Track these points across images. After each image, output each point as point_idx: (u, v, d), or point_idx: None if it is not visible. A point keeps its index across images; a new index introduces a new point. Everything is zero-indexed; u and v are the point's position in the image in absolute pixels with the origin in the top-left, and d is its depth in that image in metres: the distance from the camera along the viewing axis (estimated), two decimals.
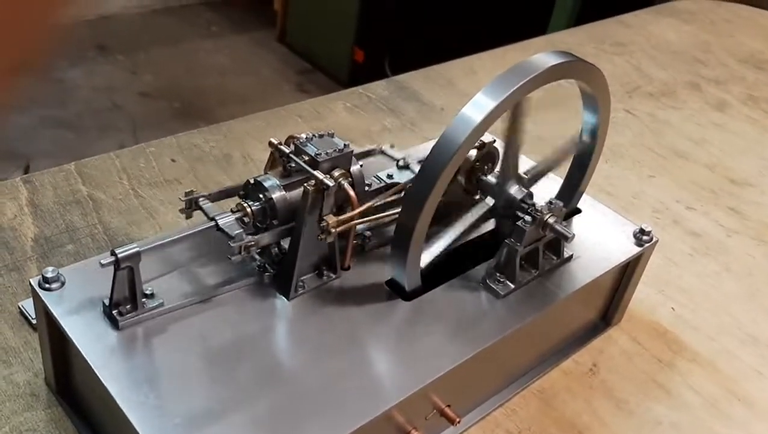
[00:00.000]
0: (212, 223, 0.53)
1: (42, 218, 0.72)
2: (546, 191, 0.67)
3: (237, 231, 0.51)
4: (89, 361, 0.47)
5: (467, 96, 0.52)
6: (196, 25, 3.12)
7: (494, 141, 0.64)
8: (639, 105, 1.16)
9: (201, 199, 0.54)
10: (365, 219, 0.56)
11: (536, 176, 0.64)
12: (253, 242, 0.51)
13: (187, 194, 0.54)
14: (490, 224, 0.64)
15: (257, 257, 0.57)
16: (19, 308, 0.62)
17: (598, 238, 0.67)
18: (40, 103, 2.45)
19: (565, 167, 0.68)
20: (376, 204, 0.57)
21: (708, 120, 1.15)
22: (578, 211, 0.70)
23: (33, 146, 2.27)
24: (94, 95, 2.58)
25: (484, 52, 1.21)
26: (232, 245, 0.50)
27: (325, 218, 0.53)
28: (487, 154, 0.64)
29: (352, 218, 0.54)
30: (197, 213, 0.60)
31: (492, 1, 2.31)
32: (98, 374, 0.46)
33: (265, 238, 0.53)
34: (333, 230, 0.52)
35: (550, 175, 0.73)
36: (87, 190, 0.77)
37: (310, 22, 2.91)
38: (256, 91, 2.74)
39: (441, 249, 0.58)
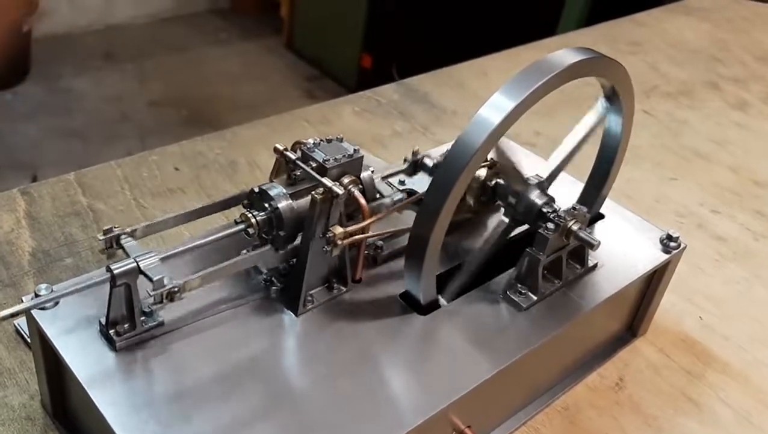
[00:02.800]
0: (218, 235, 0.50)
1: (40, 230, 0.69)
2: (566, 195, 0.64)
3: (159, 276, 0.45)
4: (84, 385, 0.44)
5: (479, 98, 0.49)
6: (204, 33, 3.11)
7: None
8: (657, 105, 1.12)
9: (123, 236, 0.48)
10: (377, 234, 0.52)
11: (552, 175, 0.61)
12: (177, 288, 0.46)
13: (105, 232, 0.47)
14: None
15: (263, 270, 0.54)
16: (15, 326, 0.59)
17: (623, 245, 0.63)
18: (47, 113, 2.44)
19: (586, 171, 0.65)
20: (386, 215, 0.54)
21: (728, 120, 1.11)
22: (601, 216, 0.67)
23: (40, 156, 2.26)
24: (102, 104, 2.56)
25: (496, 54, 1.18)
26: (151, 293, 0.45)
27: (331, 228, 0.49)
28: (499, 172, 0.60)
29: (361, 230, 0.50)
30: (201, 223, 0.57)
31: (500, 6, 2.28)
32: (93, 398, 0.43)
33: (195, 282, 0.47)
34: (340, 242, 0.49)
35: (570, 179, 0.70)
36: (87, 201, 0.74)
37: (317, 28, 2.89)
38: (264, 98, 2.72)
39: (466, 278, 0.55)
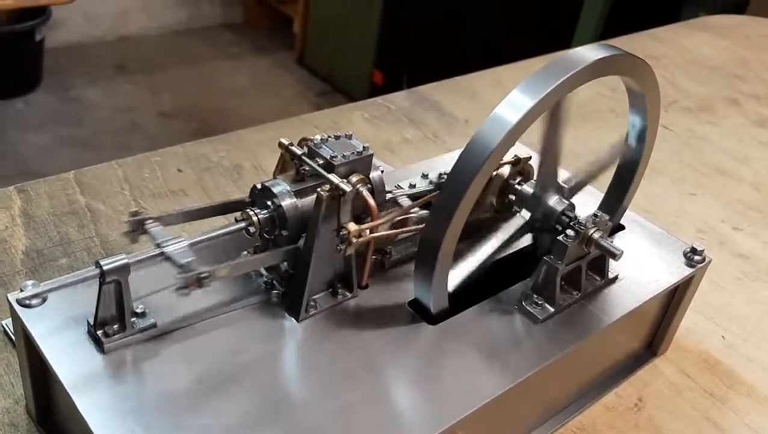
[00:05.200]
0: (213, 233, 0.47)
1: (35, 229, 0.67)
2: (585, 205, 0.61)
3: (186, 259, 0.43)
4: (67, 388, 0.41)
5: (493, 108, 0.46)
6: (216, 47, 3.11)
7: (530, 158, 0.58)
8: (676, 120, 1.09)
9: (149, 221, 0.46)
10: (392, 232, 0.49)
11: (576, 186, 0.58)
12: (207, 274, 0.44)
13: (132, 213, 0.46)
14: (525, 239, 0.57)
15: (264, 272, 0.51)
16: (3, 327, 0.56)
17: (644, 257, 0.60)
18: (58, 122, 2.43)
19: (606, 180, 0.62)
20: (400, 216, 0.51)
21: (750, 136, 1.08)
22: (621, 227, 0.63)
23: (50, 165, 2.24)
24: (112, 115, 2.56)
25: (511, 64, 1.15)
26: (178, 276, 0.43)
27: (345, 225, 0.46)
28: (522, 171, 0.57)
29: (375, 228, 0.47)
30: (201, 223, 0.55)
31: (514, 23, 2.26)
32: (77, 402, 0.40)
33: (223, 270, 0.45)
34: (354, 240, 0.46)
35: (589, 188, 0.67)
36: (85, 200, 0.71)
37: (329, 44, 2.89)
38: (275, 112, 2.71)
39: (471, 269, 0.52)
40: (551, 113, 0.51)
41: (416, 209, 0.54)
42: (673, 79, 1.22)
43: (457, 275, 0.51)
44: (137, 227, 0.45)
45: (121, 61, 2.87)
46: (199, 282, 0.43)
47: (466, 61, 1.52)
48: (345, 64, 2.81)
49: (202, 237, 0.46)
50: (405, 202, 0.54)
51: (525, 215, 0.56)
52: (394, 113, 0.97)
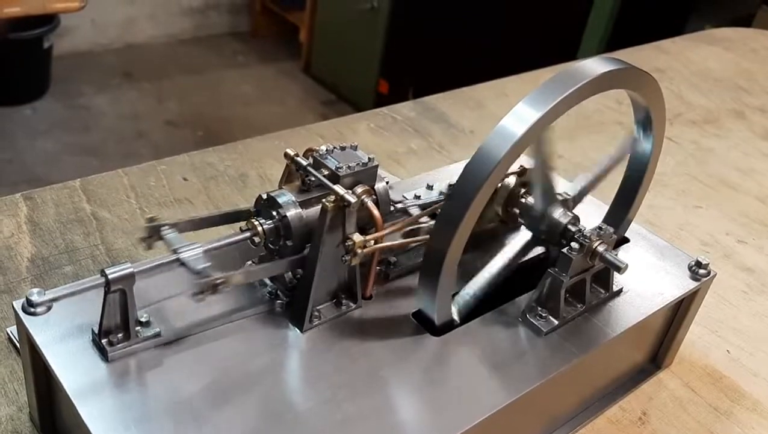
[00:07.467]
0: (218, 242, 0.47)
1: (41, 236, 0.67)
2: (590, 218, 0.61)
3: (202, 265, 0.44)
4: (71, 396, 0.41)
5: (499, 119, 0.46)
6: (222, 55, 3.13)
7: None
8: (682, 132, 1.09)
9: (164, 228, 0.46)
10: (397, 243, 0.49)
11: (581, 193, 0.58)
12: (222, 279, 0.44)
13: (149, 219, 0.46)
14: (532, 251, 0.57)
15: (268, 282, 0.51)
16: (8, 334, 0.56)
17: (649, 271, 0.60)
18: (65, 129, 2.45)
19: (611, 193, 0.62)
20: (405, 228, 0.51)
21: (755, 149, 1.08)
22: (626, 240, 0.63)
23: (56, 172, 2.25)
24: (118, 122, 2.57)
25: (516, 75, 1.16)
26: (194, 282, 0.43)
27: (350, 236, 0.46)
28: (527, 182, 0.58)
29: (380, 239, 0.48)
30: (206, 232, 0.55)
31: (520, 32, 2.27)
32: (80, 411, 0.40)
33: (238, 277, 0.46)
34: (359, 251, 0.46)
35: (594, 200, 0.67)
36: (91, 208, 0.72)
37: (335, 53, 2.90)
38: (280, 121, 2.71)
39: (479, 287, 0.52)
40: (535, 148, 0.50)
41: (421, 220, 0.54)
42: (679, 92, 1.22)
43: (466, 295, 0.52)
44: (153, 234, 0.46)
45: (128, 68, 2.89)
46: (214, 288, 0.44)
47: (472, 72, 1.52)
48: (351, 73, 2.82)
49: (217, 244, 0.47)
50: (410, 213, 0.55)
51: (527, 234, 0.56)
52: (400, 123, 0.98)
